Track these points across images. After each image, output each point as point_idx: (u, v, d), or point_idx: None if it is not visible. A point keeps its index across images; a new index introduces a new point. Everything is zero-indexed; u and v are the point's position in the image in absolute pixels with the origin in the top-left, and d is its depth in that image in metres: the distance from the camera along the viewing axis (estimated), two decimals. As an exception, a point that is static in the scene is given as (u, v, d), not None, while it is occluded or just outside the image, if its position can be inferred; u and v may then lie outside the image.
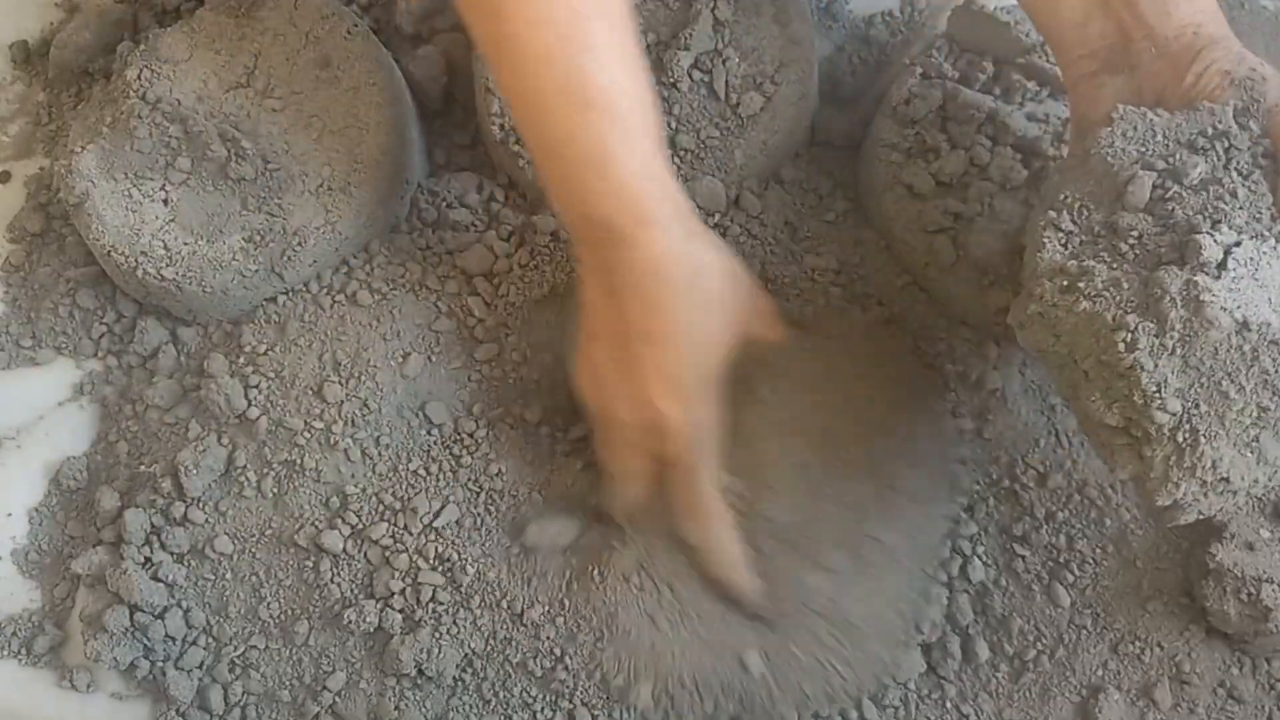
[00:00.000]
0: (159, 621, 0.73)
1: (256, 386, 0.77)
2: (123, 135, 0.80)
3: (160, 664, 0.73)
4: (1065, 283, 0.59)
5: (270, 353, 0.78)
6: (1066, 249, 0.61)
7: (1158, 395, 0.56)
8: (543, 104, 0.65)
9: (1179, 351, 0.56)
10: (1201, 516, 0.59)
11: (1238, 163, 0.60)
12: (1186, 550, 0.76)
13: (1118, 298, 0.58)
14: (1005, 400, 0.78)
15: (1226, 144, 0.61)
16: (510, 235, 0.82)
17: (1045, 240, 0.61)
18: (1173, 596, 0.75)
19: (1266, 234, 0.58)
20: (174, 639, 0.73)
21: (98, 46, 0.90)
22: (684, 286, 0.67)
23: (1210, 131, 0.61)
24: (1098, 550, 0.76)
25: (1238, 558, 0.73)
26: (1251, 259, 0.57)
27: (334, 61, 0.81)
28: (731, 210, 0.83)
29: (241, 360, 0.78)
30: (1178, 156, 0.61)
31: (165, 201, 0.80)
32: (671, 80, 0.81)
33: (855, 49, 0.90)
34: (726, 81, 0.81)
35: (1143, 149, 0.61)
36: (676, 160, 0.81)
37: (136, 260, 0.79)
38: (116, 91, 0.81)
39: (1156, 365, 0.56)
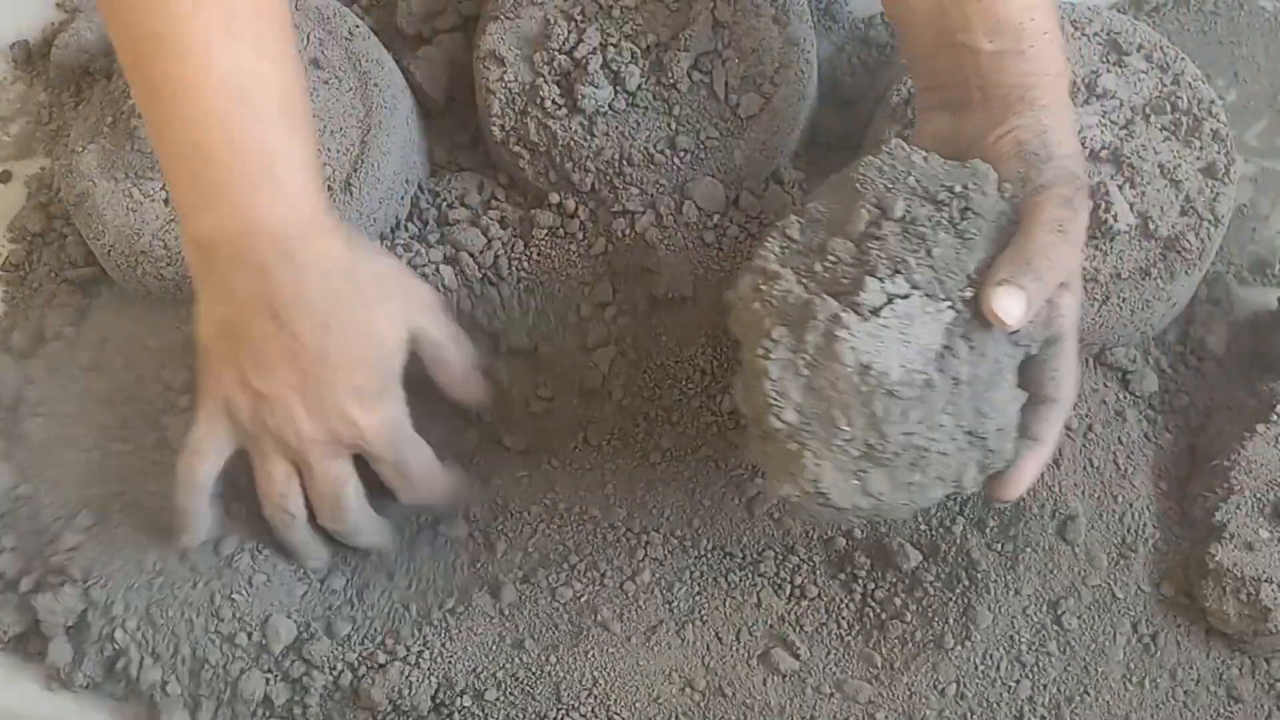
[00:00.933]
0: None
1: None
2: (123, 135, 0.80)
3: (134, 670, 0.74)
4: (759, 282, 0.63)
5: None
6: (777, 253, 0.64)
7: (775, 404, 0.60)
8: (186, 99, 0.62)
9: (805, 373, 0.60)
10: (812, 517, 0.65)
11: (962, 225, 0.62)
12: (1186, 550, 0.76)
13: (780, 310, 0.62)
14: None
15: (964, 205, 0.63)
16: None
17: (768, 239, 0.65)
18: (1172, 596, 0.75)
19: (944, 298, 0.61)
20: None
21: (99, 46, 0.90)
22: (359, 298, 0.67)
23: (957, 189, 0.63)
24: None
25: (1237, 558, 0.73)
26: (909, 314, 0.60)
27: (334, 62, 0.81)
28: (731, 210, 0.83)
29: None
30: (907, 201, 0.63)
31: (165, 201, 0.80)
32: (671, 81, 0.81)
33: (855, 49, 0.90)
34: (726, 82, 0.81)
35: (890, 185, 0.63)
36: (676, 160, 0.81)
37: (137, 260, 0.79)
38: (117, 91, 0.81)
39: (781, 378, 0.60)
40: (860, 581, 0.76)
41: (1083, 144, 0.77)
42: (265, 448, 0.70)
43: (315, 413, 0.68)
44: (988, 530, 0.76)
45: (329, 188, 0.79)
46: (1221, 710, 0.74)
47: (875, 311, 0.60)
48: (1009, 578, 0.75)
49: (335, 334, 0.66)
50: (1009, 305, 0.60)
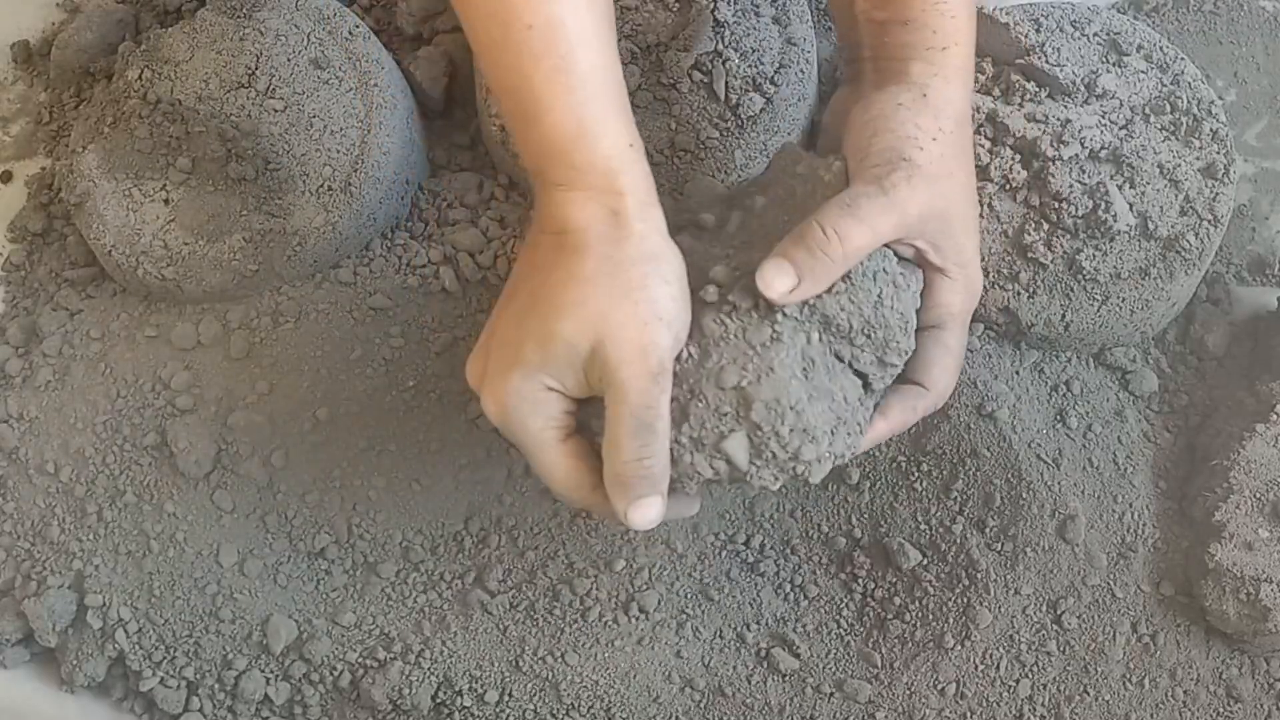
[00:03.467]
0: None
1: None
2: (124, 135, 0.80)
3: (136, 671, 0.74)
4: None
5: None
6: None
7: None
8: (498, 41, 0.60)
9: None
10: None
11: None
12: (1185, 549, 0.76)
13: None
14: (1015, 399, 0.78)
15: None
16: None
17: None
18: (1172, 596, 0.75)
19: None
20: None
21: (99, 46, 0.90)
22: (570, 271, 0.60)
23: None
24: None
25: (1237, 557, 0.73)
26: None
27: (334, 62, 0.81)
28: (731, 210, 0.83)
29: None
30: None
31: (166, 201, 0.80)
32: (671, 81, 0.81)
33: (855, 49, 0.91)
34: (726, 82, 0.81)
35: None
36: (676, 160, 0.81)
37: (137, 260, 0.79)
38: (118, 91, 0.81)
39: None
40: (860, 581, 0.76)
41: (1082, 144, 0.77)
42: None
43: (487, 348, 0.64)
44: (988, 530, 0.76)
45: (329, 188, 0.79)
46: (1221, 710, 0.74)
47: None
48: (1009, 577, 0.75)
49: (527, 282, 0.63)
50: (773, 276, 0.59)
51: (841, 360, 0.62)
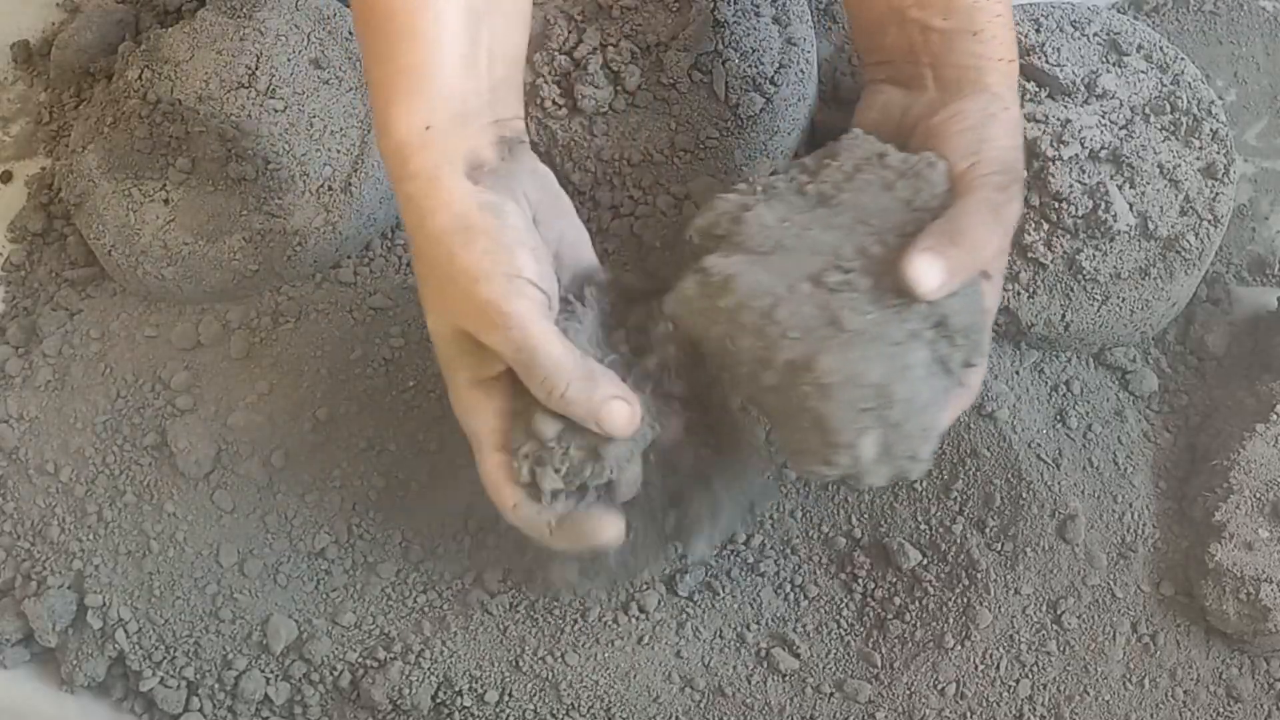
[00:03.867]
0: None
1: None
2: (124, 135, 0.80)
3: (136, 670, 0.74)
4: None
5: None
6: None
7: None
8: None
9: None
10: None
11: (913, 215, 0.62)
12: (1185, 549, 0.76)
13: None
14: (1015, 399, 0.78)
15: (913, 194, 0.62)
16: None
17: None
18: (1172, 596, 0.75)
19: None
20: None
21: (99, 46, 0.90)
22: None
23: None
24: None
25: (1237, 558, 0.73)
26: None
27: (334, 62, 0.81)
28: (731, 210, 0.83)
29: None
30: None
31: (166, 201, 0.80)
32: (671, 80, 0.81)
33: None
34: (726, 82, 0.81)
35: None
36: (676, 160, 0.81)
37: (137, 260, 0.79)
38: (118, 91, 0.81)
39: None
40: (860, 581, 0.76)
41: (1082, 144, 0.77)
42: None
43: None
44: (988, 530, 0.76)
45: (329, 188, 0.79)
46: (1221, 710, 0.74)
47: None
48: (1009, 577, 0.75)
49: None
50: (925, 271, 0.58)
51: (939, 360, 0.60)
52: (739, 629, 0.75)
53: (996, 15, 0.66)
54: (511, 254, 0.59)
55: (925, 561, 0.75)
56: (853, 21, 0.72)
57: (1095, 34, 0.82)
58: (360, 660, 0.74)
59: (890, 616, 0.75)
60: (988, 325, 0.63)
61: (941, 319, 0.59)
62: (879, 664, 0.74)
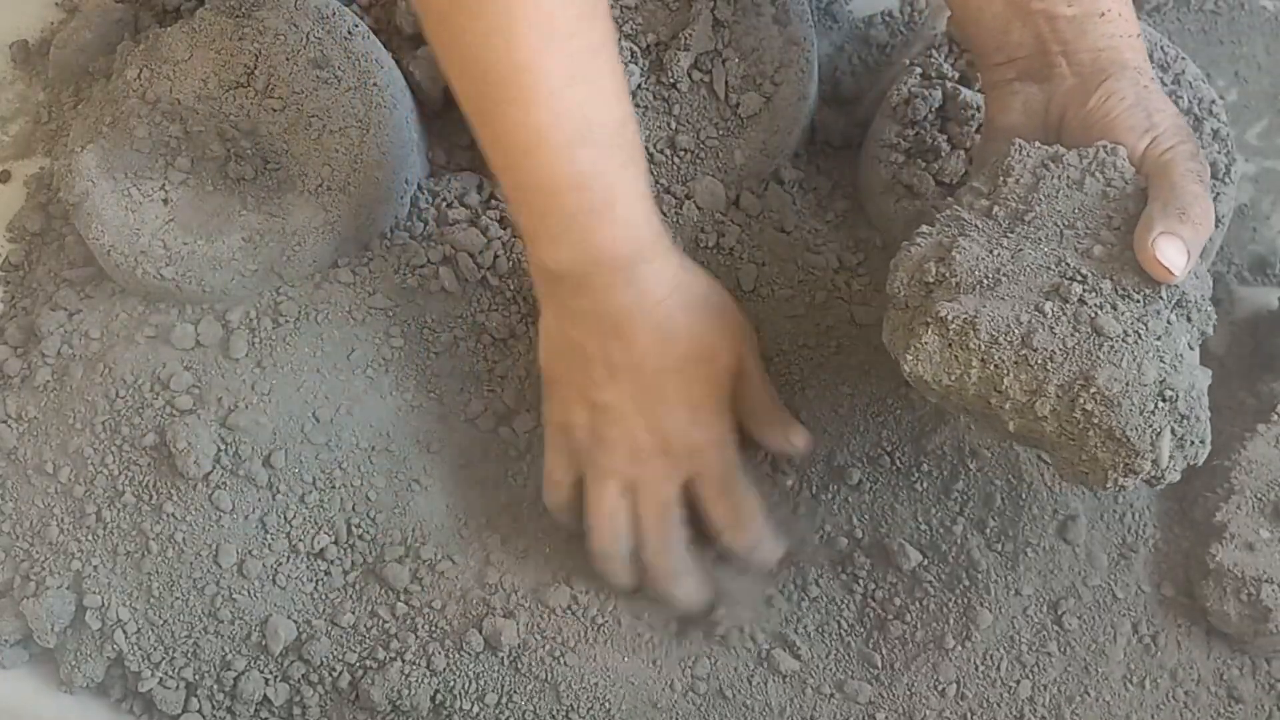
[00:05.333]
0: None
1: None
2: (123, 135, 0.80)
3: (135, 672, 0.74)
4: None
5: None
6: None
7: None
8: (536, 144, 0.64)
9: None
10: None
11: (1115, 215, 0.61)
12: (1186, 550, 0.76)
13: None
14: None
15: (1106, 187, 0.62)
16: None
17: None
18: (1173, 596, 0.75)
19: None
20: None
21: (98, 46, 0.90)
22: (697, 316, 0.69)
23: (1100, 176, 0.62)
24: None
25: (1238, 558, 0.73)
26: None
27: (334, 61, 0.81)
28: (731, 210, 0.83)
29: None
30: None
31: (165, 201, 0.80)
32: (671, 80, 0.81)
33: (855, 49, 0.90)
34: (726, 82, 0.81)
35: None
36: (676, 160, 0.81)
37: (136, 260, 0.79)
38: (116, 91, 0.81)
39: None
40: (860, 581, 0.76)
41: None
42: (600, 466, 0.70)
43: (653, 425, 0.69)
44: (988, 530, 0.76)
45: (328, 188, 0.79)
46: (1222, 710, 0.74)
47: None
48: (1009, 578, 0.75)
49: (674, 347, 0.68)
50: (1174, 255, 0.58)
51: (1191, 340, 0.60)
52: (739, 629, 0.75)
53: None
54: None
55: (926, 562, 0.75)
56: (969, 27, 0.71)
57: (1096, 34, 0.82)
58: (359, 661, 0.73)
59: (891, 617, 0.75)
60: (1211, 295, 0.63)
61: (1180, 298, 0.59)
62: (879, 665, 0.74)
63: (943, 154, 0.80)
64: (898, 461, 0.77)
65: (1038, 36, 0.67)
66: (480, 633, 0.74)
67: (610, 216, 0.65)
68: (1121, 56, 0.66)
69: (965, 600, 0.75)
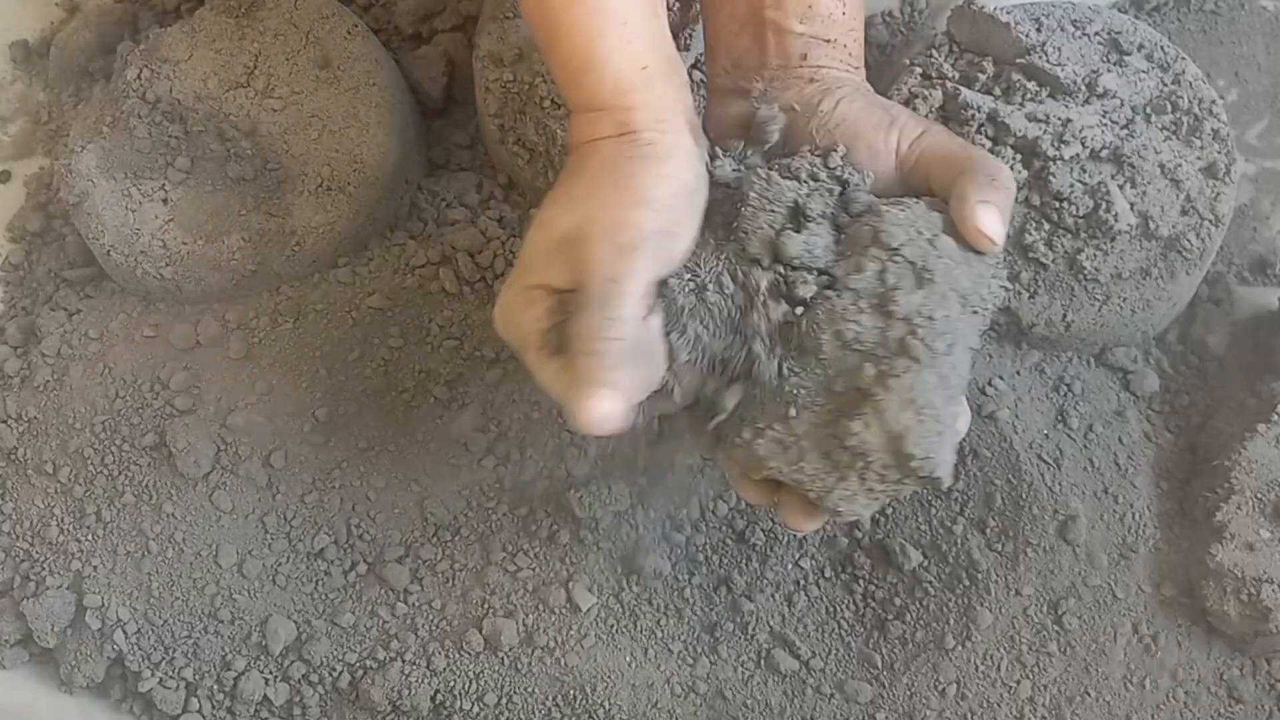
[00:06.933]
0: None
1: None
2: (123, 135, 0.80)
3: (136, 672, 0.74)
4: None
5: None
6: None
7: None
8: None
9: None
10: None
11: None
12: (1186, 550, 0.76)
13: None
14: (1016, 399, 0.78)
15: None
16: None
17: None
18: (1173, 596, 0.75)
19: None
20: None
21: (98, 46, 0.90)
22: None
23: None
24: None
25: (1238, 558, 0.73)
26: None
27: (334, 61, 0.81)
28: (731, 210, 0.82)
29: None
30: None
31: (165, 201, 0.80)
32: (671, 80, 0.80)
33: (855, 49, 0.90)
34: (726, 81, 0.81)
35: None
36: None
37: (136, 260, 0.79)
38: (116, 91, 0.81)
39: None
40: (860, 581, 0.76)
41: (1083, 144, 0.77)
42: None
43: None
44: (988, 530, 0.76)
45: (328, 188, 0.79)
46: (1222, 711, 0.74)
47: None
48: (1009, 578, 0.75)
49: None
50: (993, 223, 0.57)
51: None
52: (739, 629, 0.75)
53: (850, 31, 0.66)
54: (690, 224, 0.58)
55: (926, 562, 0.75)
56: (709, 24, 0.70)
57: (1096, 33, 0.82)
58: (359, 661, 0.73)
59: (891, 617, 0.75)
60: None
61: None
62: (880, 665, 0.74)
63: (943, 154, 0.80)
64: (898, 461, 0.77)
65: (762, 48, 0.66)
66: (480, 633, 0.74)
67: (554, 54, 0.61)
68: (846, 77, 0.65)
69: (965, 600, 0.75)
